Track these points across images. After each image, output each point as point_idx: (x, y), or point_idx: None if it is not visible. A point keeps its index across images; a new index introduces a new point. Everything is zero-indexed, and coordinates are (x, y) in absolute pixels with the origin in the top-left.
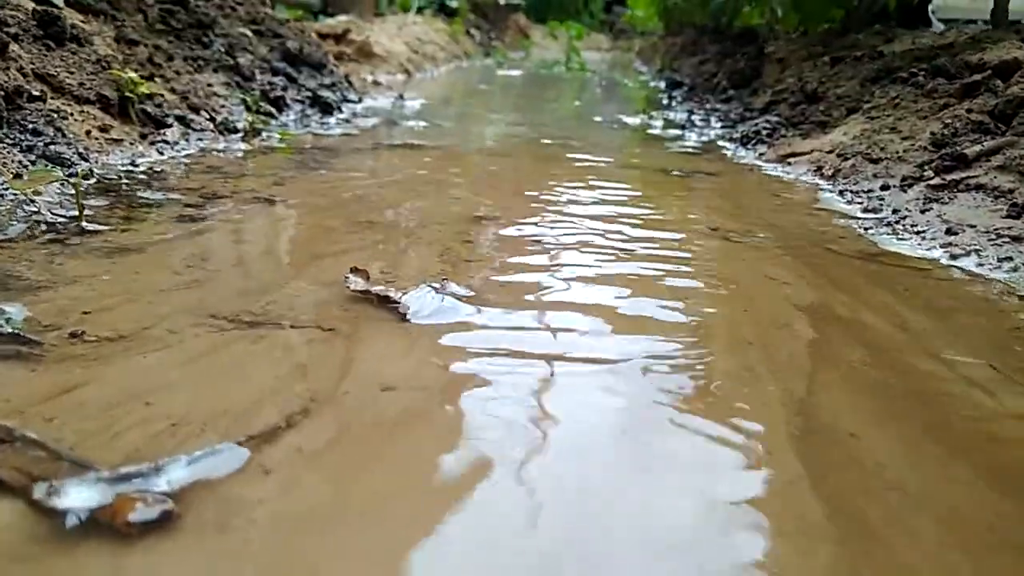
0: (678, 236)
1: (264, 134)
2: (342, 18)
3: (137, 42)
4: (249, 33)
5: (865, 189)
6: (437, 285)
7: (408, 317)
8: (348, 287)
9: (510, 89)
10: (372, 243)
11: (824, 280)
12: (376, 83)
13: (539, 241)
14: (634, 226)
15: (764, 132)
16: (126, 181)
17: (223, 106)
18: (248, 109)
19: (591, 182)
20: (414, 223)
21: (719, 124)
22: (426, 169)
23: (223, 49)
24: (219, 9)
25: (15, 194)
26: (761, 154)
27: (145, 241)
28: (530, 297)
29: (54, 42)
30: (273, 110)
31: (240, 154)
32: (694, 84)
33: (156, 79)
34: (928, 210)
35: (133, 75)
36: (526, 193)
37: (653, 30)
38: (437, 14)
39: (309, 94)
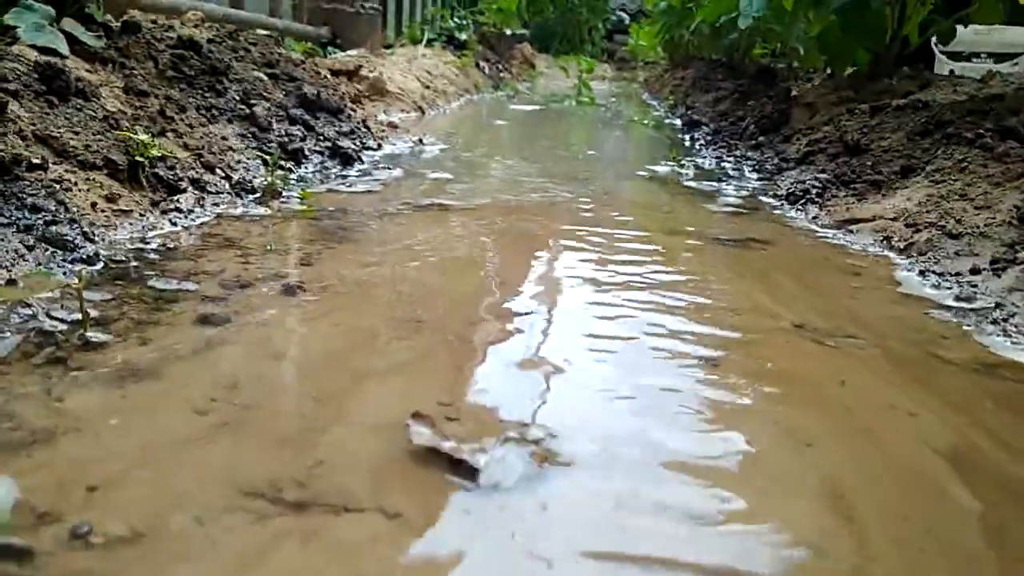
0: (759, 336)
1: (284, 193)
2: (352, 53)
3: (147, 93)
4: (264, 77)
5: (951, 271)
6: (516, 436)
7: (488, 485)
8: (410, 439)
9: (526, 128)
10: (423, 354)
11: (952, 408)
12: (392, 125)
13: (610, 353)
14: (705, 320)
15: (814, 191)
16: (135, 263)
17: (239, 162)
18: (265, 164)
19: (641, 258)
20: (463, 321)
21: (754, 175)
22: (460, 239)
23: (238, 97)
24: (233, 52)
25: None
26: (815, 217)
27: (160, 357)
28: (626, 449)
29: (57, 98)
30: (292, 164)
31: (260, 221)
32: (718, 128)
33: (168, 134)
34: None
35: (144, 137)
36: (573, 275)
37: (656, 60)
38: (446, 46)
39: (328, 144)
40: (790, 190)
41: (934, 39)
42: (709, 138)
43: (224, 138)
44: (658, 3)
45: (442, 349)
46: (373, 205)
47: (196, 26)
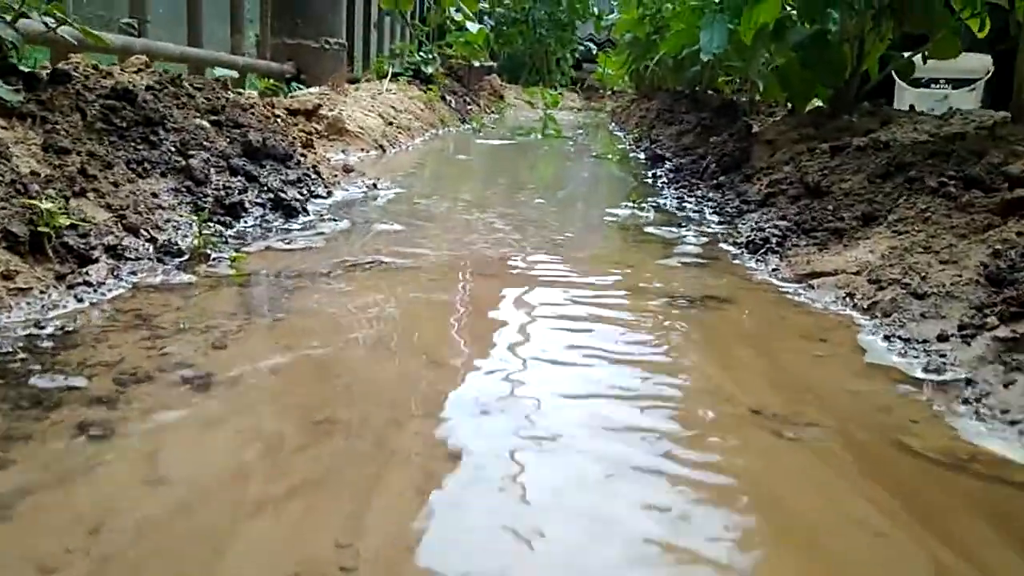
0: (710, 430)
1: (213, 256)
2: (314, 90)
3: (69, 150)
4: (207, 125)
5: (918, 337)
6: None
7: None
8: None
9: (488, 166)
10: (328, 469)
11: (923, 523)
12: (347, 169)
13: (547, 461)
14: (655, 409)
15: (773, 239)
16: (23, 356)
17: (168, 221)
18: (198, 222)
19: (597, 327)
20: (384, 419)
21: (715, 218)
22: (399, 307)
23: (174, 148)
24: (174, 99)
25: None
26: (775, 269)
27: (17, 487)
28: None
29: None
30: (228, 219)
31: (180, 291)
32: (680, 165)
33: (88, 194)
34: (1012, 383)
35: (49, 205)
36: (517, 353)
37: (623, 89)
38: (412, 81)
39: (270, 196)
40: (750, 237)
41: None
42: (671, 175)
43: (154, 194)
44: (624, 34)
45: (352, 462)
46: (310, 266)
47: (139, 71)
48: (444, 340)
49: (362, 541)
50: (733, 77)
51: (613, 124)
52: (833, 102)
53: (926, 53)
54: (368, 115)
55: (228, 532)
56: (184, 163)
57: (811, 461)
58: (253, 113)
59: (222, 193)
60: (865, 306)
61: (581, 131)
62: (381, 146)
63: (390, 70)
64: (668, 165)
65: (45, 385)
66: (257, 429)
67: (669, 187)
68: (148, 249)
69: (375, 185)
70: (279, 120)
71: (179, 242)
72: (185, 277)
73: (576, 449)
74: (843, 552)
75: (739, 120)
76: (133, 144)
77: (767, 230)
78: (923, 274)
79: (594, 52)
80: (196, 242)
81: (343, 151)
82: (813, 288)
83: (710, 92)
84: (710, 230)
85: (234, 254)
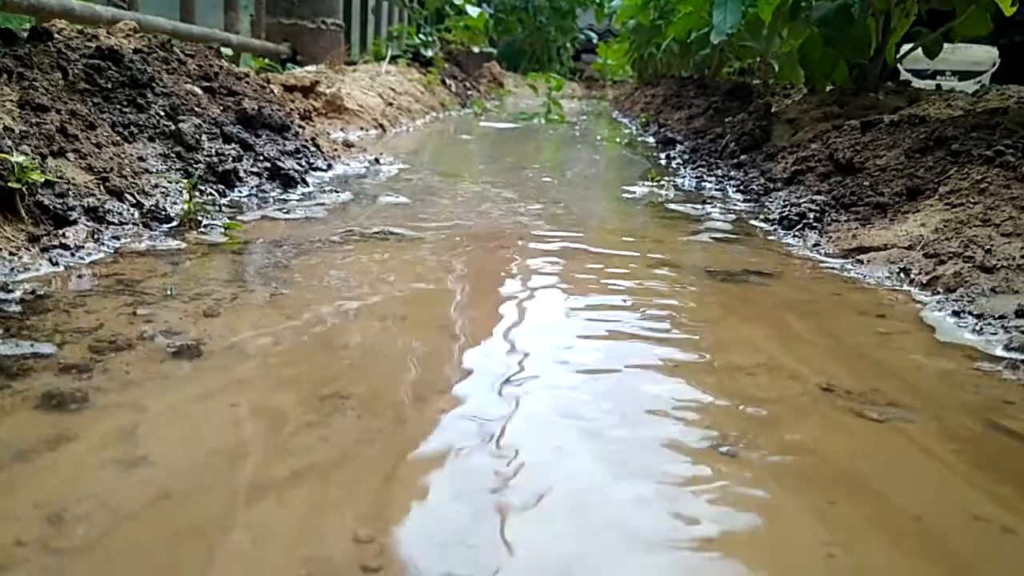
0: (780, 407)
1: (205, 222)
2: (311, 69)
3: (47, 108)
4: (199, 91)
5: (992, 313)
6: None
7: None
8: None
9: (494, 145)
10: (343, 452)
11: None
12: (347, 144)
13: (592, 444)
14: (710, 387)
15: (811, 215)
16: None
17: (156, 186)
18: (188, 186)
19: (627, 300)
20: (402, 397)
21: (739, 196)
22: (410, 278)
23: (163, 112)
24: (163, 64)
25: None
26: (816, 244)
27: None
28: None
29: None
30: (222, 187)
31: (168, 257)
32: (696, 146)
33: (68, 155)
34: None
35: (20, 159)
36: (545, 326)
37: (624, 79)
38: (412, 63)
39: (268, 165)
40: (784, 213)
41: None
42: (687, 156)
43: (141, 159)
44: (627, 21)
45: (370, 443)
46: (311, 235)
47: (128, 36)
48: (463, 312)
49: (385, 536)
50: (743, 61)
51: (616, 111)
52: (857, 80)
53: (953, 31)
54: (367, 94)
55: (224, 523)
56: (174, 127)
57: (904, 445)
58: (248, 82)
59: (215, 160)
60: (924, 281)
61: (584, 117)
62: (381, 125)
63: (389, 52)
64: (680, 147)
65: (8, 352)
66: (256, 404)
67: (685, 167)
68: (133, 214)
69: (377, 160)
70: (274, 93)
71: (168, 208)
72: (174, 243)
73: (623, 434)
74: (971, 554)
75: (753, 102)
76: (119, 106)
77: (803, 205)
78: (987, 247)
79: (594, 42)
80: (186, 208)
81: (342, 129)
82: (862, 263)
83: (718, 78)
84: (737, 208)
85: (228, 222)
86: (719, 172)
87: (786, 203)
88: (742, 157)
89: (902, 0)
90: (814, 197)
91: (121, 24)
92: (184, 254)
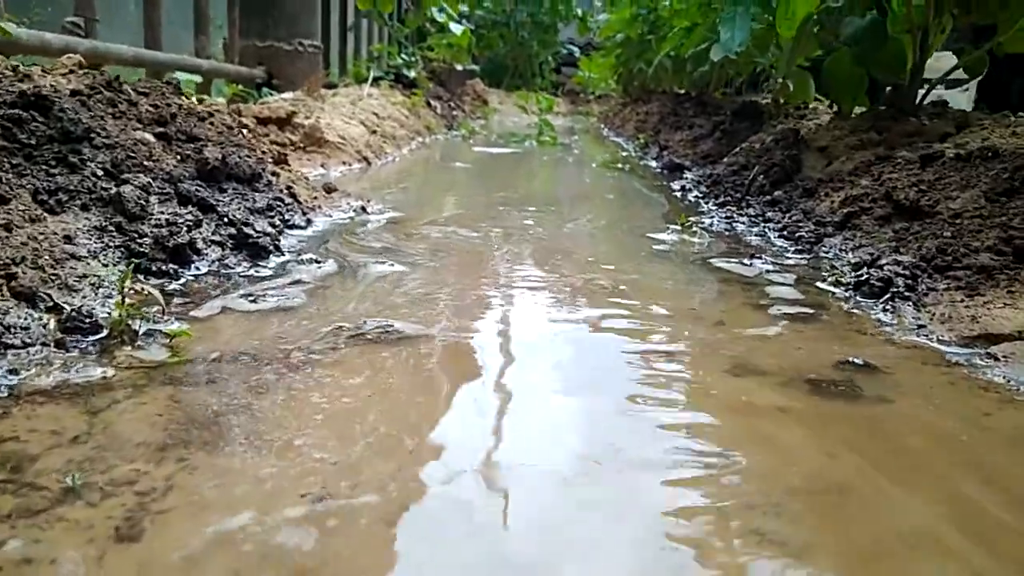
0: None
1: (143, 330)
2: (287, 96)
3: None
4: (151, 139)
5: None
6: None
7: None
8: None
9: (490, 177)
10: None
11: None
12: (328, 189)
13: None
14: None
15: (900, 281)
16: None
17: (84, 276)
18: (120, 280)
19: (707, 445)
20: None
21: (784, 242)
22: (420, 412)
23: (101, 172)
24: (108, 106)
25: None
26: (922, 327)
27: None
28: None
29: None
30: (174, 266)
31: (83, 400)
32: (715, 176)
33: None
34: None
35: None
36: (583, 519)
37: (607, 93)
38: (394, 85)
39: (233, 231)
40: (863, 277)
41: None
42: (705, 188)
43: (68, 237)
44: (613, 36)
45: None
46: (286, 340)
47: (69, 72)
48: (498, 505)
49: None
50: (744, 76)
51: (606, 129)
52: (893, 101)
53: (998, 47)
54: (349, 123)
55: None
56: (114, 191)
57: None
58: (212, 123)
59: (165, 232)
60: None
61: (576, 137)
62: (365, 158)
63: (371, 74)
64: (690, 175)
65: None
66: None
67: (706, 201)
68: (47, 326)
69: (364, 208)
70: (245, 132)
71: (96, 311)
72: (97, 371)
73: None
74: None
75: (763, 123)
76: (45, 167)
77: (886, 267)
78: None
79: (576, 56)
80: (118, 314)
81: (322, 165)
82: (998, 360)
83: (719, 95)
84: (789, 261)
85: (173, 328)
86: (751, 211)
87: (855, 259)
88: (775, 193)
89: (939, 15)
90: (898, 257)
91: (64, 59)
92: (108, 391)
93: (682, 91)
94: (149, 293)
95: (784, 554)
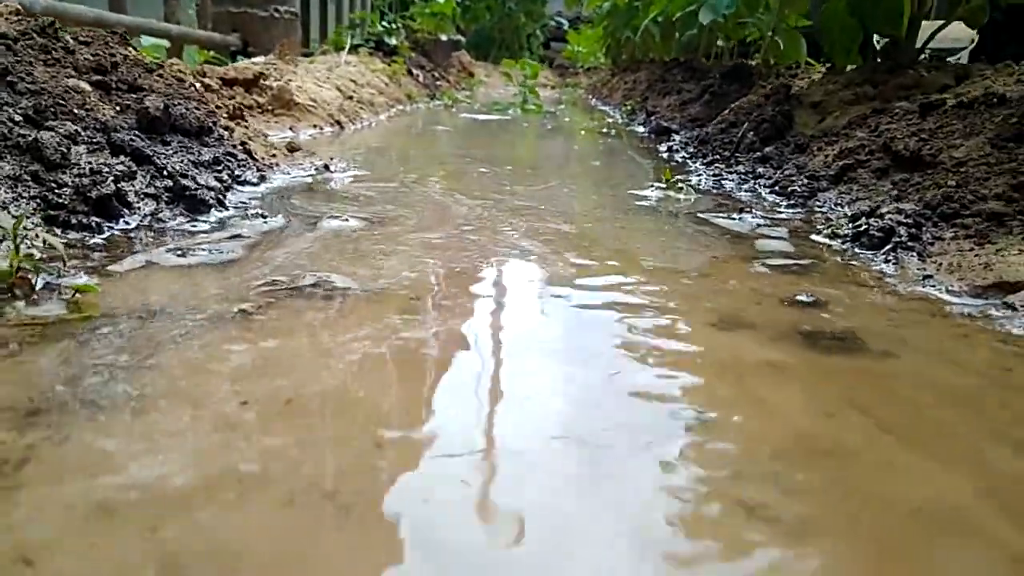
0: None
1: (45, 282)
2: (259, 60)
3: None
4: (86, 87)
5: None
6: None
7: None
8: None
9: (469, 142)
10: None
11: None
12: (292, 148)
13: None
14: None
15: (903, 230)
16: None
17: None
18: (51, 223)
19: (698, 408)
20: None
21: (776, 198)
22: (348, 388)
23: (20, 117)
24: (40, 52)
25: None
26: (928, 277)
27: None
28: None
29: None
30: (97, 219)
31: None
32: (703, 136)
33: None
34: None
35: None
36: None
37: (596, 65)
38: (374, 53)
39: (169, 183)
40: (861, 228)
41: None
42: (693, 149)
43: None
44: (600, 6)
45: None
46: (207, 295)
47: (2, 18)
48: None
49: None
50: (733, 40)
51: (593, 99)
52: (889, 55)
53: None
54: (322, 87)
55: None
56: (32, 138)
57: None
58: (161, 75)
59: (87, 181)
60: None
61: (562, 106)
62: (338, 122)
63: (349, 41)
64: (678, 138)
65: None
66: None
67: (694, 161)
68: None
69: (327, 167)
70: (198, 87)
71: None
72: None
73: None
74: None
75: (753, 84)
76: None
77: (887, 217)
78: None
79: (564, 29)
80: (9, 264)
81: (291, 128)
82: (1015, 309)
83: (707, 59)
84: (782, 215)
85: (80, 281)
86: (740, 168)
87: (852, 211)
88: (766, 150)
89: None
90: (900, 206)
91: (2, 6)
92: None
93: (670, 59)
94: (49, 244)
95: (778, 533)
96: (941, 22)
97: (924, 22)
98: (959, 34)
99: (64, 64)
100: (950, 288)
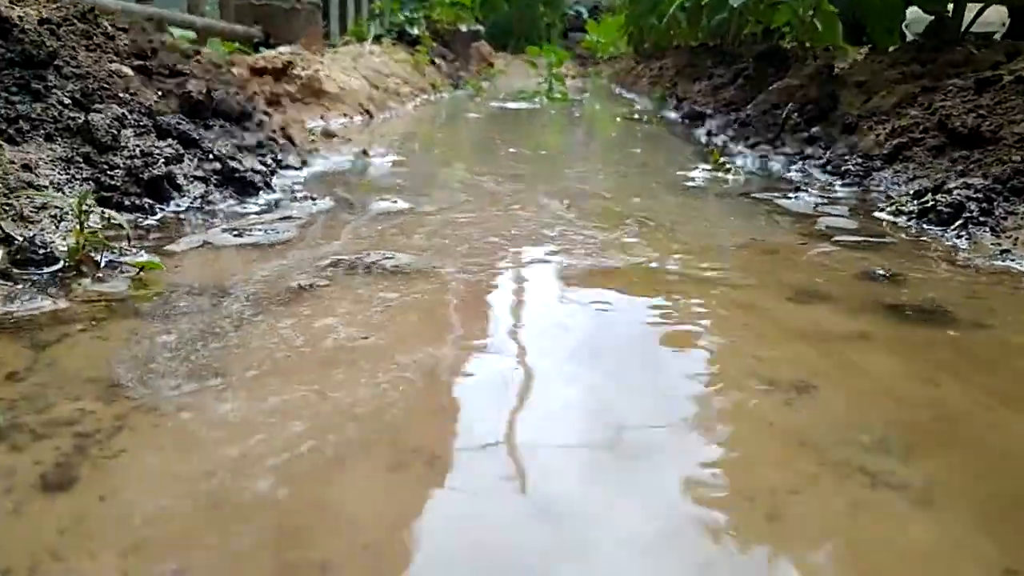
0: None
1: (108, 260)
2: (284, 50)
3: None
4: (128, 71)
5: None
6: None
7: None
8: None
9: (501, 128)
10: None
11: None
12: (328, 134)
13: None
14: None
15: (973, 205)
16: None
17: (42, 208)
18: (105, 204)
19: (772, 369)
20: None
21: (831, 178)
22: (429, 348)
23: (69, 100)
24: (82, 38)
25: None
26: (1005, 251)
27: None
28: None
29: None
30: (149, 201)
31: (30, 333)
32: (745, 118)
33: None
34: None
35: None
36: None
37: (617, 55)
38: (397, 43)
39: (217, 166)
40: (927, 204)
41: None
42: (732, 132)
43: (27, 166)
44: None
45: None
46: (270, 273)
47: (38, 2)
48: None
49: None
50: (764, 24)
51: (618, 88)
52: (935, 33)
53: None
54: (350, 76)
55: None
56: (83, 121)
57: None
58: (199, 60)
59: (139, 163)
60: None
61: (587, 94)
62: (367, 111)
63: (372, 31)
64: (714, 122)
65: None
66: None
67: (736, 144)
68: None
69: (365, 152)
70: (233, 73)
71: (55, 242)
72: (46, 303)
73: None
74: None
75: (790, 67)
76: (5, 95)
77: (955, 192)
78: None
79: (583, 18)
80: (75, 241)
81: (321, 117)
82: None
83: (739, 44)
84: (838, 194)
85: (143, 259)
86: (788, 149)
87: (913, 189)
88: (813, 130)
89: None
90: (969, 181)
91: None
92: (58, 325)
93: (697, 44)
94: (114, 221)
95: (904, 499)
96: (982, 3)
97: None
98: (992, 18)
99: (105, 49)
100: None
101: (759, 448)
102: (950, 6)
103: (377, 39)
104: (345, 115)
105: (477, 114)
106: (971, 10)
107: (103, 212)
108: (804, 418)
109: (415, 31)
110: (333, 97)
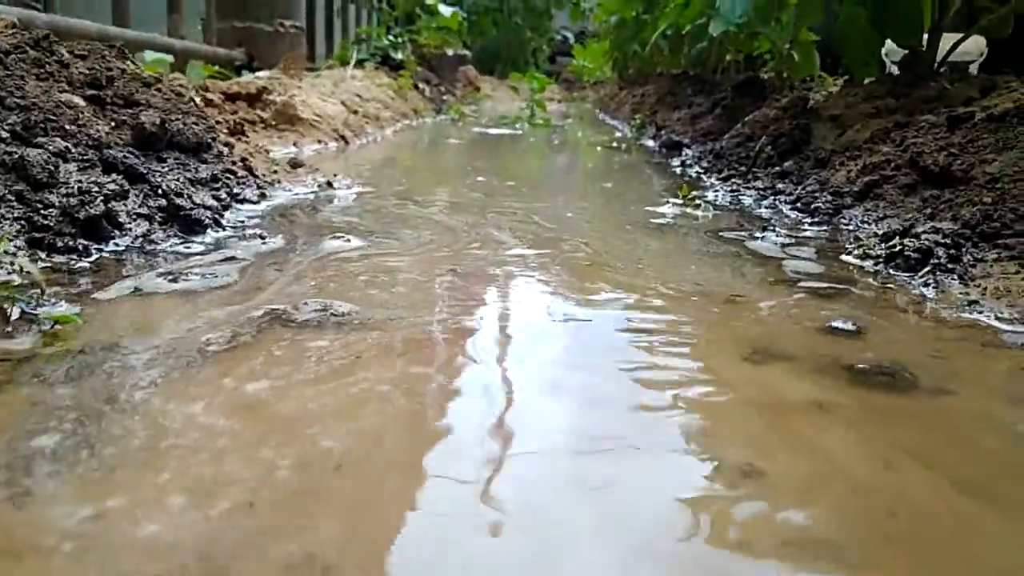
0: None
1: (20, 313)
2: (262, 74)
3: None
4: (79, 102)
5: None
6: None
7: None
8: None
9: (476, 157)
10: None
11: None
12: (295, 164)
13: None
14: None
15: (941, 251)
16: None
17: None
18: (35, 246)
19: (746, 461)
20: None
21: (798, 214)
22: (368, 434)
23: (8, 133)
24: (32, 66)
25: None
26: (973, 303)
27: None
28: None
29: None
30: (84, 241)
31: None
32: (717, 150)
33: None
34: None
35: None
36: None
37: (602, 80)
38: (380, 67)
39: (163, 203)
40: (894, 248)
41: (884, 51)
42: (707, 163)
43: None
44: (607, 19)
45: None
46: (197, 326)
47: None
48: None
49: None
50: (744, 53)
51: (601, 113)
52: (909, 66)
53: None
54: (327, 102)
55: None
56: (18, 156)
57: None
58: (159, 89)
59: (75, 202)
60: None
61: (570, 120)
62: (343, 137)
63: (354, 55)
64: (690, 152)
65: None
66: None
67: (709, 176)
68: None
69: (329, 184)
70: (196, 101)
71: None
72: None
73: None
74: None
75: (767, 98)
76: None
77: (923, 237)
78: None
79: (570, 43)
80: None
81: (295, 143)
82: None
83: (718, 73)
84: (807, 233)
85: (61, 310)
86: (759, 184)
87: (882, 230)
88: (785, 164)
89: None
90: (937, 225)
91: None
92: None
93: (679, 72)
94: (26, 271)
95: None
96: (960, 35)
97: (944, 33)
98: (970, 47)
99: (58, 78)
100: (1000, 315)
101: (680, 552)
102: (925, 38)
103: (361, 63)
104: (319, 141)
105: (457, 140)
106: (948, 39)
107: (31, 254)
108: (747, 511)
109: (399, 55)
110: (308, 123)
